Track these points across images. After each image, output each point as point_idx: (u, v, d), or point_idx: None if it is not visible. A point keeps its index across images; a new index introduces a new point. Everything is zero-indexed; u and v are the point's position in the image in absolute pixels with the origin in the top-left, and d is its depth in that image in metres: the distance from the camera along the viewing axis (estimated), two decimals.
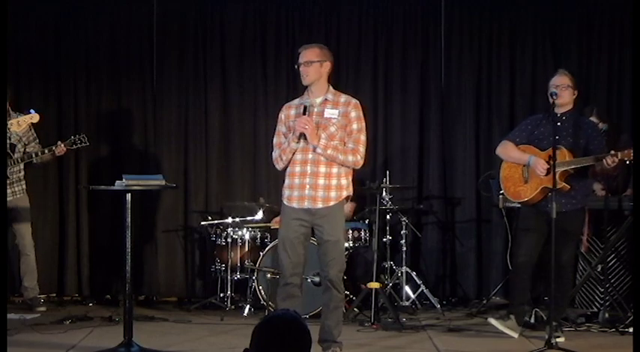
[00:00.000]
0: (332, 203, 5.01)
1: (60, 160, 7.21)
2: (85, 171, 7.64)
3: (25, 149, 6.89)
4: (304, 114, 5.01)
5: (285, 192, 5.10)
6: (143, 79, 7.77)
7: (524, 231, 5.83)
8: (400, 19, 7.78)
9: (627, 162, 5.36)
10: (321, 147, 4.96)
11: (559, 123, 5.63)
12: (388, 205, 6.98)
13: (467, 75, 7.73)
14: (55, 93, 7.71)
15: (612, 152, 5.38)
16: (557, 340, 5.25)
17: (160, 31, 7.74)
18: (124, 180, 5.26)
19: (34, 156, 6.75)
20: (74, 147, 6.72)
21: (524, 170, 5.75)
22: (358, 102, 5.14)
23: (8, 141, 6.80)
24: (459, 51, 7.74)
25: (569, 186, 5.52)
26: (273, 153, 5.19)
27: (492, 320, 5.79)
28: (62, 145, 6.67)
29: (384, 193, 6.92)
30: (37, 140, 6.98)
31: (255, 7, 7.82)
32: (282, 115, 5.19)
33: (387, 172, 7.19)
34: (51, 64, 7.76)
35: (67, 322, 6.24)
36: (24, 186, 6.95)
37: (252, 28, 7.80)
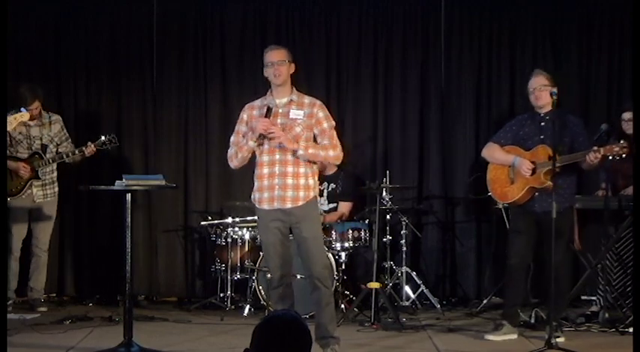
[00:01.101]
0: (300, 203, 5.01)
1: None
2: (85, 171, 7.63)
3: (57, 149, 6.91)
4: (267, 115, 5.00)
5: (256, 195, 5.10)
6: (143, 79, 7.78)
7: (514, 233, 5.89)
8: (400, 19, 7.78)
9: (610, 158, 5.38)
10: (302, 148, 4.97)
11: (543, 123, 5.69)
12: (388, 205, 6.97)
13: (467, 75, 7.73)
14: (55, 93, 7.71)
15: (595, 148, 5.40)
16: (557, 340, 5.25)
17: (160, 31, 7.75)
18: (124, 180, 5.26)
19: (64, 156, 6.77)
20: (104, 147, 6.74)
21: (510, 171, 5.78)
22: (322, 102, 5.17)
23: (39, 141, 6.83)
24: (459, 51, 7.74)
25: (552, 185, 5.55)
26: (228, 151, 5.17)
27: (490, 337, 5.77)
28: (92, 145, 6.69)
29: (384, 193, 6.91)
30: (70, 140, 7.01)
31: (255, 7, 7.82)
32: (244, 115, 5.18)
33: (387, 172, 7.20)
34: (51, 64, 7.77)
35: (67, 322, 6.24)
36: (56, 190, 6.99)
37: (252, 28, 7.80)
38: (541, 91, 5.72)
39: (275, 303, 5.12)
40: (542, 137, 5.67)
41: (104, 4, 7.82)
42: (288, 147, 4.96)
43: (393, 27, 7.78)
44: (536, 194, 5.65)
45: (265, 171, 5.03)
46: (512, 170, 5.77)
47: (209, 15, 7.84)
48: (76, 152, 6.75)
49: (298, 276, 6.03)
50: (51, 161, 6.82)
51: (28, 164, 6.77)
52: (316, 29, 7.81)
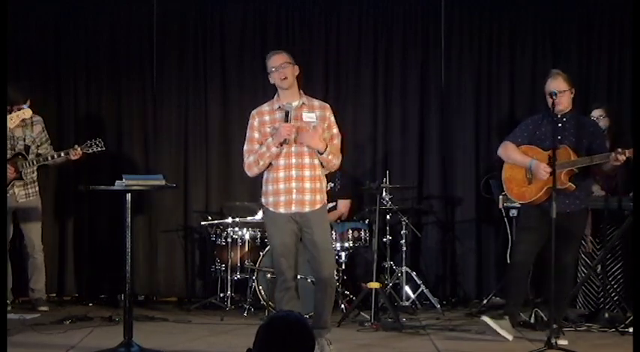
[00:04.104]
0: (318, 206, 5.06)
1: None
2: (85, 171, 7.63)
3: (37, 151, 6.89)
4: (286, 120, 4.99)
5: (270, 199, 5.09)
6: (143, 79, 7.77)
7: (526, 230, 5.80)
8: (400, 19, 7.78)
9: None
10: (327, 151, 5.02)
11: (560, 124, 5.64)
12: (388, 205, 6.98)
13: (467, 75, 7.73)
14: (55, 93, 7.71)
15: (619, 150, 5.36)
16: (559, 342, 5.22)
17: (160, 31, 7.74)
18: (124, 180, 5.26)
19: (49, 158, 6.75)
20: (90, 151, 6.71)
21: (527, 171, 5.75)
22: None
23: (23, 142, 6.82)
24: (459, 51, 7.74)
25: (574, 186, 5.53)
26: (245, 159, 5.16)
27: (486, 318, 5.72)
28: (79, 149, 6.66)
29: (384, 193, 6.91)
30: (49, 141, 6.98)
31: (255, 7, 7.82)
32: (254, 122, 5.15)
33: (387, 172, 7.20)
34: (51, 64, 7.77)
35: (67, 322, 6.24)
36: (37, 189, 6.97)
37: (252, 28, 7.80)
38: (562, 96, 5.65)
39: (285, 305, 5.07)
40: (559, 138, 5.58)
41: (104, 4, 7.82)
42: (314, 148, 4.98)
43: (393, 27, 7.78)
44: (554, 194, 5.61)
45: (281, 174, 5.04)
46: (529, 170, 5.76)
47: (209, 15, 7.84)
48: (62, 154, 6.72)
49: (299, 276, 6.02)
50: (34, 162, 6.80)
51: (12, 165, 6.74)
52: (316, 29, 7.82)
